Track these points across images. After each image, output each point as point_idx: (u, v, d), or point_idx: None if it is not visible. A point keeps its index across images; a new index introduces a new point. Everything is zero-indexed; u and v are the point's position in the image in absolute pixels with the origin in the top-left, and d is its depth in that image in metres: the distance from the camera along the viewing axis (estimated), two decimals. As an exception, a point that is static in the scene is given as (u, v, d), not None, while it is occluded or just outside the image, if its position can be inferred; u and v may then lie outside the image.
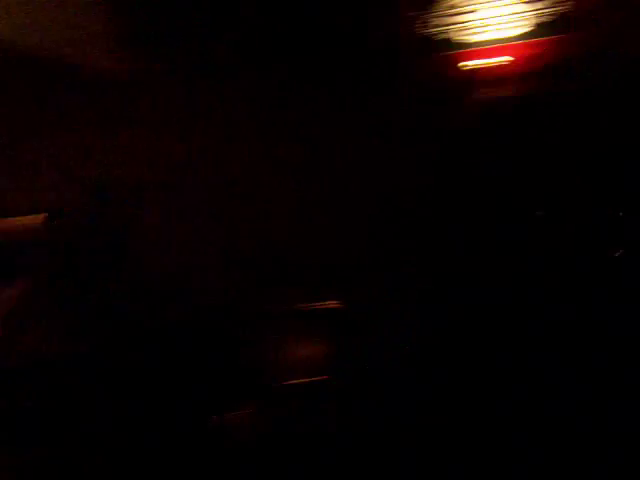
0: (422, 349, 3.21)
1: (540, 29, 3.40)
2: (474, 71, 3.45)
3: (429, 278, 3.34)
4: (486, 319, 3.18)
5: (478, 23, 3.46)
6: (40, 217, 3.41)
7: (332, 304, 3.31)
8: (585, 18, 3.32)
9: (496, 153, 3.40)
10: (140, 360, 3.24)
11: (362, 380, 3.14)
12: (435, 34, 3.50)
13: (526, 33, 3.42)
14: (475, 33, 3.47)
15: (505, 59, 3.42)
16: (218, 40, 3.51)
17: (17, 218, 3.42)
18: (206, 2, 3.49)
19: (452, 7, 3.48)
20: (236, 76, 3.54)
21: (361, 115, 3.52)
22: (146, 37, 3.49)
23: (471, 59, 3.47)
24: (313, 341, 3.25)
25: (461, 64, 3.48)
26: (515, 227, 3.34)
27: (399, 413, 3.06)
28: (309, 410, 3.10)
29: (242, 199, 3.54)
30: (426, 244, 3.39)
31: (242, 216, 3.53)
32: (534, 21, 3.40)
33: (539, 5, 3.39)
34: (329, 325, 3.27)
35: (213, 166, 3.56)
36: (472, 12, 3.46)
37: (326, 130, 3.53)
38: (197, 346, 3.28)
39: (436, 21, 3.49)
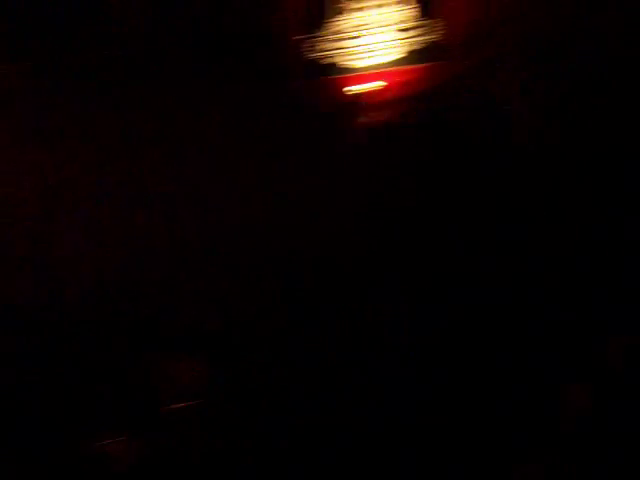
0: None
1: (415, 56, 3.63)
2: (356, 95, 3.65)
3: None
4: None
5: (361, 49, 3.70)
6: None
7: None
8: (456, 48, 3.56)
9: (375, 173, 3.50)
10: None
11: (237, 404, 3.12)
12: (321, 58, 3.70)
13: (402, 59, 3.65)
14: (358, 58, 3.70)
15: (382, 84, 3.64)
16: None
17: None
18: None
19: (338, 32, 3.71)
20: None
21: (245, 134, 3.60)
22: None
23: (353, 83, 3.67)
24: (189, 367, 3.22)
25: (344, 88, 3.68)
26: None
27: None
28: (185, 435, 3.06)
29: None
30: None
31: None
32: (409, 48, 3.64)
33: (413, 33, 3.62)
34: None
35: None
36: (355, 38, 3.70)
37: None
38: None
39: (322, 45, 3.70)
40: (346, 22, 3.71)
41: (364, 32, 3.67)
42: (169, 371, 3.17)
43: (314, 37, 3.71)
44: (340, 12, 3.72)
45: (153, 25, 3.61)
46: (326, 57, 3.70)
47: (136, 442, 3.00)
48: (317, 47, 3.70)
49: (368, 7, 3.71)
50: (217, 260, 3.42)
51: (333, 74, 3.70)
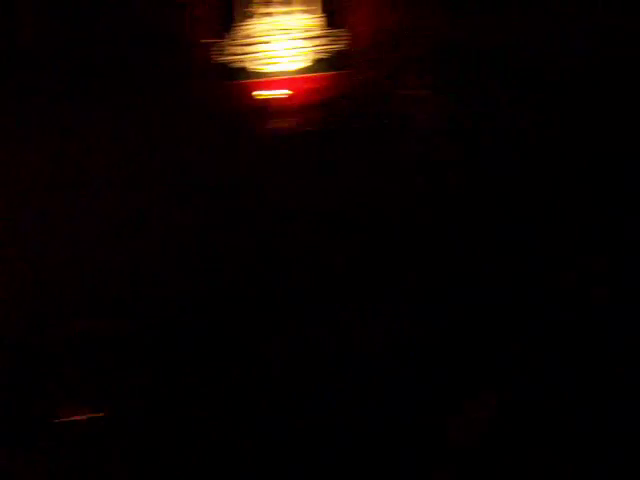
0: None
1: (321, 65, 3.66)
2: (263, 101, 3.66)
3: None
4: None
5: (269, 55, 3.72)
6: None
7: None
8: (360, 57, 3.61)
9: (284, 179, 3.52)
10: None
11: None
12: (229, 62, 3.71)
13: (309, 67, 3.68)
14: (265, 64, 3.72)
15: (288, 92, 3.66)
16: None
17: None
18: None
19: (246, 37, 3.73)
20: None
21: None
22: None
23: (260, 89, 3.68)
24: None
25: (251, 93, 3.68)
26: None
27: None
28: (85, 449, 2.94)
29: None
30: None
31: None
32: (316, 57, 3.67)
33: (319, 41, 3.66)
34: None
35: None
36: (264, 44, 3.72)
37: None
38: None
39: (230, 50, 3.71)
40: (255, 27, 3.72)
41: (272, 38, 3.70)
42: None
43: (223, 41, 3.72)
44: (249, 17, 3.73)
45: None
46: (234, 62, 3.71)
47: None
48: (225, 51, 3.71)
49: (277, 13, 3.72)
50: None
51: (241, 79, 3.71)
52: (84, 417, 2.97)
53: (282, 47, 3.70)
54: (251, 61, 3.70)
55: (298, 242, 3.39)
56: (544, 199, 3.36)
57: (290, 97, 3.64)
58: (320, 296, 3.28)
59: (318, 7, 3.70)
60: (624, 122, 3.38)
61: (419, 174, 3.45)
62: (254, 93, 3.67)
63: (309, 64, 3.68)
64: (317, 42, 3.67)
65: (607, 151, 3.39)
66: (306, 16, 3.70)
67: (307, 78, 3.67)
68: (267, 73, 3.70)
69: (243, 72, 3.71)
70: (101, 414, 2.99)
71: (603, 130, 3.39)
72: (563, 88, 3.46)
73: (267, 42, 3.71)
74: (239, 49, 3.70)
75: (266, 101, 3.64)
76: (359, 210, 3.44)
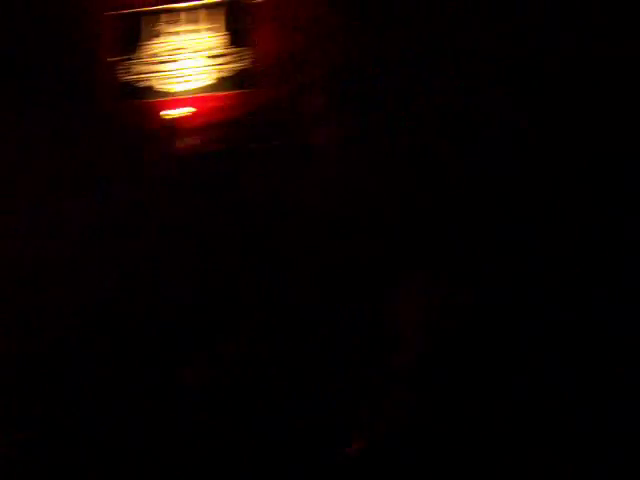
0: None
1: (225, 84, 3.67)
2: (168, 120, 3.66)
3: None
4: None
5: (174, 74, 3.72)
6: None
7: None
8: (266, 76, 3.61)
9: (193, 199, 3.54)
10: None
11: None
12: (134, 81, 3.73)
13: (213, 86, 3.68)
14: (171, 83, 3.71)
15: (192, 110, 3.66)
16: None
17: None
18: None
19: (152, 56, 3.73)
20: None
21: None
22: None
23: (166, 108, 3.68)
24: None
25: (156, 112, 3.70)
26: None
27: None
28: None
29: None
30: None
31: None
32: (220, 75, 3.67)
33: (223, 60, 3.66)
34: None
35: None
36: (169, 62, 3.72)
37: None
38: None
39: (136, 68, 3.73)
40: (161, 46, 3.72)
41: (177, 57, 3.70)
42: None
43: (128, 60, 3.73)
44: (156, 35, 3.73)
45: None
46: (140, 80, 3.72)
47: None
48: (131, 70, 3.72)
49: (184, 32, 3.72)
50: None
51: (146, 98, 3.72)
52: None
53: (186, 66, 3.70)
54: (156, 80, 3.71)
55: (204, 257, 3.45)
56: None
57: (194, 116, 3.65)
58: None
59: (222, 26, 3.69)
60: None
61: (322, 191, 3.47)
62: (159, 112, 3.69)
63: (214, 83, 3.69)
64: (220, 61, 3.68)
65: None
66: (210, 35, 3.70)
67: (210, 97, 3.68)
68: (171, 92, 3.69)
69: (148, 91, 3.72)
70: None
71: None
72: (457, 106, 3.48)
73: (172, 61, 3.71)
74: (145, 67, 3.72)
75: (171, 120, 3.65)
76: (264, 227, 3.49)
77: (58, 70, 3.71)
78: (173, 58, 3.72)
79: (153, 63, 3.73)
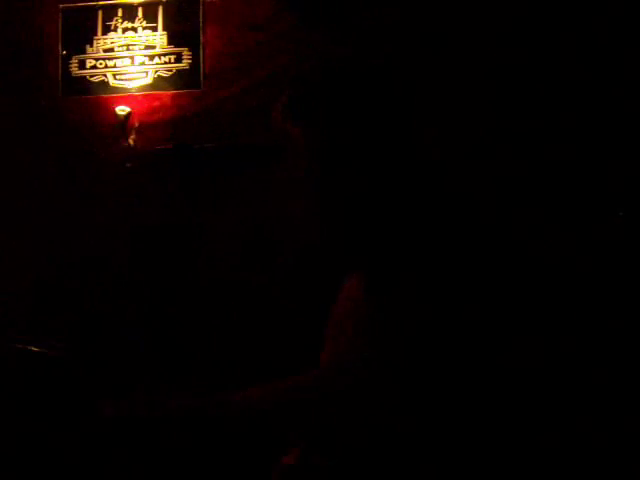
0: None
1: (166, 83, 3.61)
2: (115, 116, 3.57)
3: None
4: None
5: (118, 70, 3.64)
6: None
7: None
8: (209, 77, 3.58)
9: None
10: None
11: None
12: (85, 76, 3.65)
13: (155, 84, 3.61)
14: (114, 79, 3.64)
15: (131, 108, 3.58)
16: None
17: None
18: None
19: (106, 51, 3.66)
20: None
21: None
22: None
23: (112, 104, 3.60)
24: None
25: (105, 108, 3.63)
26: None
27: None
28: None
29: None
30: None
31: None
32: (161, 74, 3.61)
33: (165, 59, 3.60)
34: None
35: None
36: (116, 59, 3.65)
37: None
38: None
39: (88, 63, 3.65)
40: (112, 41, 3.66)
41: (133, 52, 3.64)
42: None
43: (80, 53, 3.66)
44: (109, 30, 3.66)
45: None
46: (90, 75, 3.66)
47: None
48: (83, 64, 3.66)
49: (136, 28, 3.65)
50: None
51: (94, 93, 3.66)
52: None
53: (129, 63, 3.64)
54: (100, 76, 3.65)
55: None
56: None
57: (132, 114, 3.58)
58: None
59: (160, 24, 3.63)
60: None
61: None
62: (101, 108, 3.64)
63: (155, 81, 3.61)
64: (159, 60, 3.62)
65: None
66: (149, 32, 3.63)
67: (148, 95, 3.61)
68: (114, 88, 3.63)
69: (96, 86, 3.66)
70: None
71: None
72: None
73: (119, 57, 3.65)
74: (95, 63, 3.65)
75: (119, 116, 3.56)
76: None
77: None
78: (123, 54, 3.65)
79: (103, 58, 3.65)
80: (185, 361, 3.40)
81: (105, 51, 3.65)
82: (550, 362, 2.96)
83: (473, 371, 1.61)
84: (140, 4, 3.63)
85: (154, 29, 3.63)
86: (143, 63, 3.62)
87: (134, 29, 3.63)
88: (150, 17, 3.63)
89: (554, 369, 2.96)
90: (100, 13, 3.65)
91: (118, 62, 3.64)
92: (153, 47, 3.62)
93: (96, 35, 3.66)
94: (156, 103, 3.60)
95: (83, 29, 3.66)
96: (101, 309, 3.51)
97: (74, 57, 3.66)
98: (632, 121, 3.21)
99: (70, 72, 3.66)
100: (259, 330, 3.36)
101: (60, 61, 3.66)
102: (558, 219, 3.19)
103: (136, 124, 3.56)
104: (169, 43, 3.61)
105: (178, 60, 3.60)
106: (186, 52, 3.59)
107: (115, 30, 3.64)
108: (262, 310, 3.38)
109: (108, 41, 3.65)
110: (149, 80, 3.61)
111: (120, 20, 3.64)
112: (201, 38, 3.58)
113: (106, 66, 3.64)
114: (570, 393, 2.90)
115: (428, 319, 1.44)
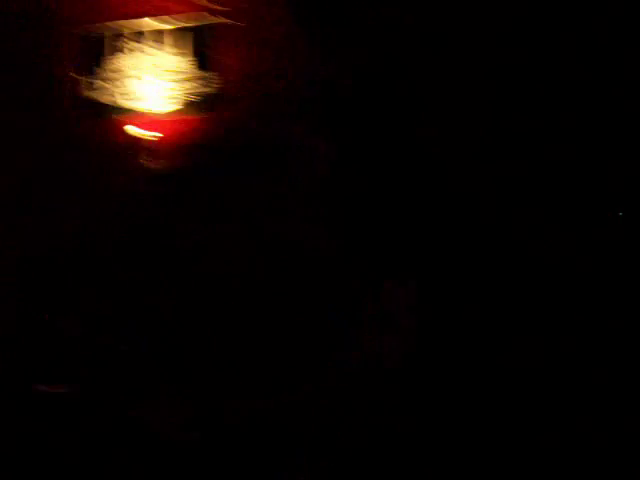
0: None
1: (191, 106, 3.57)
2: (131, 139, 3.57)
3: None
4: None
5: (136, 92, 3.61)
6: None
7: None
8: (231, 100, 3.53)
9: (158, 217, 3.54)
10: None
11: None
12: (95, 98, 3.63)
13: (179, 108, 3.57)
14: (131, 101, 3.61)
15: (157, 131, 3.57)
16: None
17: None
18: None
19: (117, 71, 3.62)
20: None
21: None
22: None
23: (128, 126, 3.58)
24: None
25: (119, 130, 3.60)
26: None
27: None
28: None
29: None
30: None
31: None
32: (186, 98, 3.57)
33: (190, 84, 3.56)
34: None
35: None
36: (133, 80, 3.61)
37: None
38: None
39: (97, 85, 3.63)
40: (125, 63, 3.63)
41: (141, 75, 3.60)
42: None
43: (89, 76, 3.65)
44: (120, 51, 3.62)
45: None
46: (100, 97, 3.64)
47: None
48: (92, 87, 3.64)
49: (152, 53, 3.61)
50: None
51: (108, 115, 3.63)
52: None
53: (152, 86, 3.60)
54: (115, 98, 3.63)
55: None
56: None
57: (161, 137, 3.57)
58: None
59: (189, 50, 3.59)
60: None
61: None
62: (124, 130, 3.61)
63: (180, 105, 3.59)
64: (188, 84, 3.58)
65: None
66: (178, 57, 3.59)
67: (177, 119, 3.59)
68: (133, 111, 3.60)
69: (109, 109, 3.63)
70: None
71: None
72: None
73: (137, 79, 3.60)
74: (106, 85, 3.63)
75: (135, 139, 3.57)
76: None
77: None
78: (136, 77, 3.61)
79: (115, 80, 3.62)
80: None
81: (116, 72, 3.64)
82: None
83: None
84: (170, 30, 3.62)
85: (182, 54, 3.62)
86: (168, 88, 3.61)
87: (160, 54, 3.62)
88: (179, 43, 3.62)
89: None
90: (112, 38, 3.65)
91: (141, 86, 3.62)
92: (180, 72, 3.61)
93: (107, 57, 3.66)
94: (182, 126, 3.60)
95: (97, 54, 3.66)
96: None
97: (86, 79, 3.66)
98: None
99: (82, 94, 3.66)
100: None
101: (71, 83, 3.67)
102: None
103: (159, 146, 3.58)
104: (195, 68, 3.60)
105: (200, 85, 3.58)
106: (209, 76, 3.57)
107: (126, 52, 3.63)
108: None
109: (119, 63, 3.64)
110: (175, 105, 3.60)
111: (147, 45, 3.63)
112: (221, 62, 3.57)
113: (119, 89, 3.63)
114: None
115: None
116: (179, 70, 3.59)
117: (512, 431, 2.79)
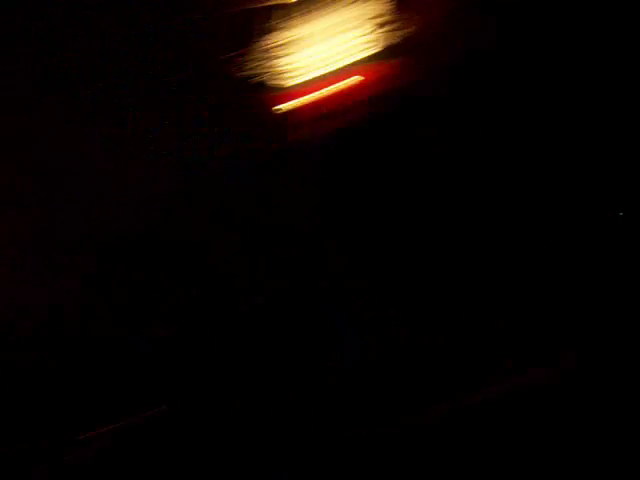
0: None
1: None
2: (291, 111, 3.57)
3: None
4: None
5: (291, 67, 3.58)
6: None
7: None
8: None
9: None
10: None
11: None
12: (253, 76, 3.60)
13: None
14: (288, 77, 3.60)
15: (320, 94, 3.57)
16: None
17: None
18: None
19: (267, 51, 3.56)
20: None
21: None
22: None
23: (288, 100, 3.59)
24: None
25: (279, 104, 3.60)
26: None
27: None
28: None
29: None
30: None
31: None
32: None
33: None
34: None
35: None
36: (286, 56, 3.55)
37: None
38: None
39: (255, 63, 3.58)
40: (275, 41, 3.58)
41: (293, 50, 3.56)
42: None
43: (242, 55, 3.61)
44: (269, 31, 3.59)
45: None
46: (256, 75, 3.62)
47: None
48: (246, 65, 3.63)
49: (295, 25, 3.56)
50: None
51: (265, 92, 3.63)
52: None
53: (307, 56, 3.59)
54: (273, 74, 3.62)
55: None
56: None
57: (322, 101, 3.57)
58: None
59: None
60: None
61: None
62: (280, 105, 3.63)
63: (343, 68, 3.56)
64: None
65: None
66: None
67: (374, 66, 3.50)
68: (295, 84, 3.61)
69: (265, 85, 3.63)
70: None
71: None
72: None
73: (289, 54, 3.58)
74: (258, 63, 3.60)
75: (295, 110, 3.59)
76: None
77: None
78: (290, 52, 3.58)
79: (269, 58, 3.60)
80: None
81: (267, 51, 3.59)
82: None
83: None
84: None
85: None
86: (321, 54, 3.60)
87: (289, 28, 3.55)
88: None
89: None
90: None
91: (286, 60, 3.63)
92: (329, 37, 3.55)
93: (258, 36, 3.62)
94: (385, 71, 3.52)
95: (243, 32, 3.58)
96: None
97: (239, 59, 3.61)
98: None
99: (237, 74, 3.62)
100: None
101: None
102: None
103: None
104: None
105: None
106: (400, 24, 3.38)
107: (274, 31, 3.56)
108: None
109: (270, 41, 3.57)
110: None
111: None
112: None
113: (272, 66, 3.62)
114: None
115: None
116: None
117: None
